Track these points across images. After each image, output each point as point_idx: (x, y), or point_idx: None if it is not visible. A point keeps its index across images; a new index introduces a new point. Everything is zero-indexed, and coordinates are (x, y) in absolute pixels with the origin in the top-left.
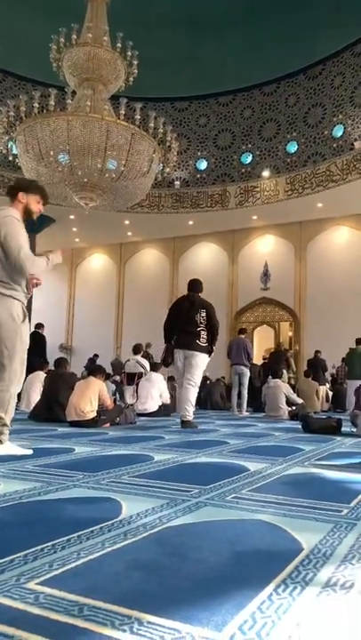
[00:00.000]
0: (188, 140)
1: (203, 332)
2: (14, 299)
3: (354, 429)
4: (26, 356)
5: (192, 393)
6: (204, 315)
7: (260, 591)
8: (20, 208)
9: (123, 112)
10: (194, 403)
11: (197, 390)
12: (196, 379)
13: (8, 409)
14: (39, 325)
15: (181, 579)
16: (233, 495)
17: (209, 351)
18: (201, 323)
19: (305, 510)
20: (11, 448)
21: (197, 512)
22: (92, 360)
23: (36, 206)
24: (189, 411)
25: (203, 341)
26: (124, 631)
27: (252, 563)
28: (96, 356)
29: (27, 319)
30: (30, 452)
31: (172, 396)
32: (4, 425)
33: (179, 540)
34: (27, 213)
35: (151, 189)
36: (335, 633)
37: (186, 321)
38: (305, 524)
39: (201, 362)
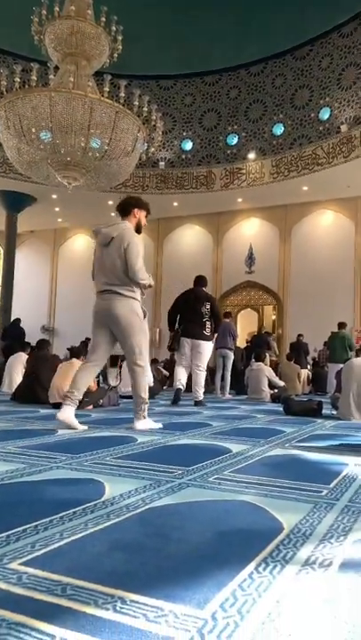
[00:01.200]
0: (174, 120)
1: (208, 323)
2: (134, 299)
3: (334, 412)
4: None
5: (202, 377)
6: (208, 307)
7: (242, 570)
8: (133, 222)
9: (107, 89)
10: (203, 385)
11: (205, 374)
12: (204, 364)
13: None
14: (18, 320)
15: (164, 558)
16: (215, 476)
17: (212, 339)
18: (206, 314)
19: (286, 491)
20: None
21: (180, 493)
22: (85, 344)
23: (144, 221)
24: (200, 392)
25: (208, 331)
26: (108, 610)
27: (234, 542)
28: (88, 339)
29: (147, 317)
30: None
31: (156, 379)
32: (146, 403)
33: (161, 521)
34: (137, 228)
35: (135, 169)
36: (314, 610)
37: (193, 313)
38: (286, 505)
39: (207, 350)
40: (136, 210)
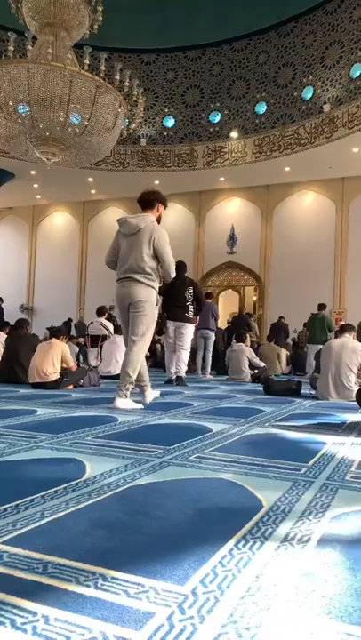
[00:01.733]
0: (155, 96)
1: (190, 307)
2: (153, 288)
3: (313, 392)
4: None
5: (185, 355)
6: (191, 291)
7: (222, 546)
8: (156, 216)
9: (87, 62)
10: (185, 362)
11: (188, 352)
12: (187, 345)
13: (140, 371)
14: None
15: (145, 536)
16: (196, 455)
17: (194, 322)
18: (189, 298)
19: (265, 469)
20: (129, 403)
21: (161, 472)
22: (67, 324)
23: (161, 216)
24: (182, 368)
25: (190, 314)
26: (89, 587)
27: (214, 519)
28: (70, 320)
29: (159, 304)
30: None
31: None
32: (131, 383)
33: (143, 499)
34: (158, 221)
35: (116, 146)
36: (293, 584)
37: (177, 297)
38: (265, 482)
39: (189, 331)
40: (160, 205)
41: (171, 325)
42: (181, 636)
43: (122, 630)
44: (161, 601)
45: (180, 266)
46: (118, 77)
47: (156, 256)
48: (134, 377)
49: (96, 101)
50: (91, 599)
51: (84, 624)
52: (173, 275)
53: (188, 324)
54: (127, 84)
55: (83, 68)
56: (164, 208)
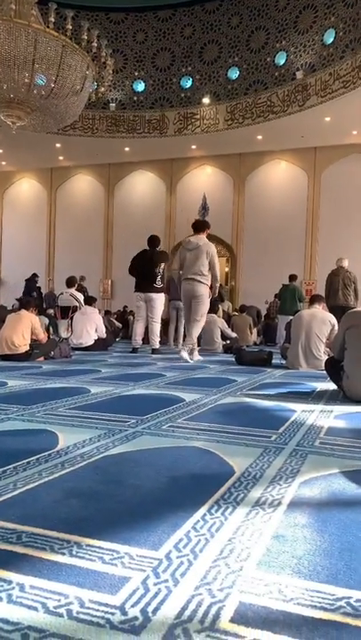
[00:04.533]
0: (125, 58)
1: (159, 277)
2: (206, 285)
3: (284, 361)
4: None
5: (156, 327)
6: (162, 266)
7: (195, 512)
8: (205, 236)
9: (52, 20)
10: (158, 334)
11: (159, 324)
12: (157, 316)
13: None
14: None
15: (119, 504)
16: (169, 424)
17: (163, 290)
18: (158, 273)
19: (237, 437)
20: (188, 357)
21: (134, 441)
22: (31, 281)
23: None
24: (156, 341)
25: (158, 284)
26: (64, 554)
27: (187, 486)
28: (35, 275)
29: (210, 296)
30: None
31: (109, 330)
32: (193, 344)
33: (116, 468)
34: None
35: (84, 111)
36: (264, 546)
37: (147, 271)
38: (237, 450)
39: (159, 302)
40: (207, 230)
41: (139, 297)
42: (156, 599)
43: (98, 595)
44: (136, 566)
45: (153, 239)
46: (86, 37)
47: (209, 264)
48: (195, 340)
49: (62, 62)
50: (66, 566)
51: (60, 590)
52: (219, 278)
53: (156, 296)
54: (95, 44)
55: (48, 27)
56: (209, 230)
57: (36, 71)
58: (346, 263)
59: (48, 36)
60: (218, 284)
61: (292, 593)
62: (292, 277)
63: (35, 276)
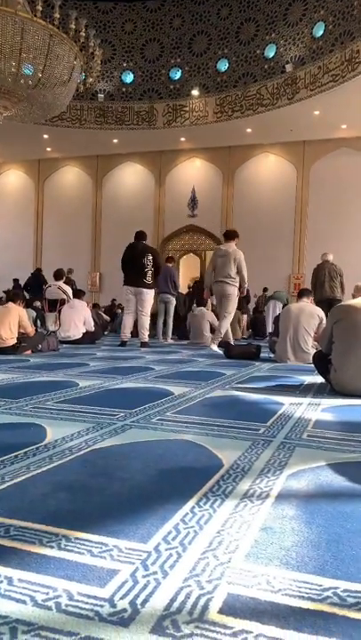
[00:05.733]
0: (113, 49)
1: (149, 273)
2: (235, 286)
3: (272, 355)
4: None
5: (145, 321)
6: (150, 258)
7: (184, 505)
8: (235, 243)
9: (39, 8)
10: (147, 327)
11: (149, 318)
12: (146, 310)
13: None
14: None
15: (108, 497)
16: (158, 418)
17: (154, 287)
18: (147, 265)
19: (225, 430)
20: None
21: (123, 434)
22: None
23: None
24: (145, 334)
25: (148, 279)
26: (52, 548)
27: (176, 479)
28: (39, 269)
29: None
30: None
31: (97, 324)
32: (220, 338)
33: (105, 462)
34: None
35: (72, 101)
36: (252, 537)
37: (136, 264)
38: (225, 443)
39: (148, 297)
40: (237, 239)
41: (129, 291)
42: (145, 591)
43: (86, 588)
44: (125, 559)
45: (139, 234)
46: (73, 27)
47: (237, 269)
48: (223, 334)
49: (50, 52)
50: (54, 559)
51: (49, 583)
52: (246, 279)
53: (145, 290)
54: (83, 34)
55: (35, 15)
56: (238, 239)
57: (24, 60)
58: (330, 257)
59: (35, 24)
60: (246, 285)
61: (280, 584)
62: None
63: (39, 270)
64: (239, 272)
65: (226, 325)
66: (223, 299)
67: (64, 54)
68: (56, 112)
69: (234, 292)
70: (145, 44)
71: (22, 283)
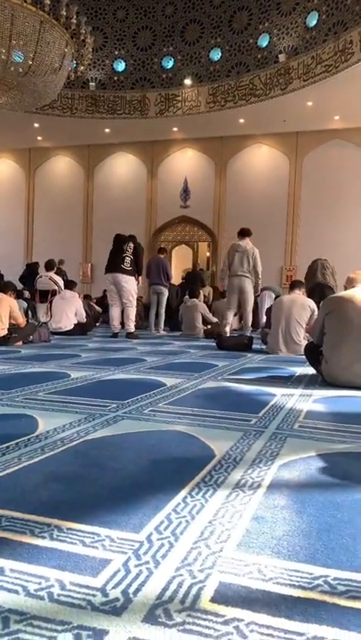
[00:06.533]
0: (105, 36)
1: (127, 259)
2: (251, 280)
3: (264, 346)
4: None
5: (131, 312)
6: (130, 245)
7: (176, 495)
8: (250, 240)
9: None
10: (133, 318)
11: (135, 309)
12: (131, 300)
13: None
14: None
15: (100, 487)
16: (150, 409)
17: (134, 274)
18: (126, 251)
19: (217, 420)
20: None
21: (115, 425)
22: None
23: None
24: (131, 325)
25: (126, 265)
26: (44, 538)
27: (168, 470)
28: (36, 263)
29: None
30: None
31: (89, 315)
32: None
33: (97, 452)
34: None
35: (63, 90)
36: (244, 526)
37: (116, 251)
38: (218, 433)
39: (128, 285)
40: (251, 236)
41: (108, 280)
42: (137, 580)
43: (78, 577)
44: (117, 548)
45: (130, 235)
46: (64, 13)
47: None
48: (250, 326)
49: (41, 39)
50: (46, 550)
51: (41, 573)
52: (260, 275)
53: (123, 276)
54: (74, 21)
55: (25, 1)
56: (251, 236)
57: (13, 47)
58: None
59: (25, 10)
60: (260, 280)
61: (272, 572)
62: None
63: (35, 264)
64: (254, 268)
65: (250, 319)
66: (242, 294)
67: (55, 41)
68: (47, 100)
69: (250, 287)
70: (137, 31)
71: (5, 274)
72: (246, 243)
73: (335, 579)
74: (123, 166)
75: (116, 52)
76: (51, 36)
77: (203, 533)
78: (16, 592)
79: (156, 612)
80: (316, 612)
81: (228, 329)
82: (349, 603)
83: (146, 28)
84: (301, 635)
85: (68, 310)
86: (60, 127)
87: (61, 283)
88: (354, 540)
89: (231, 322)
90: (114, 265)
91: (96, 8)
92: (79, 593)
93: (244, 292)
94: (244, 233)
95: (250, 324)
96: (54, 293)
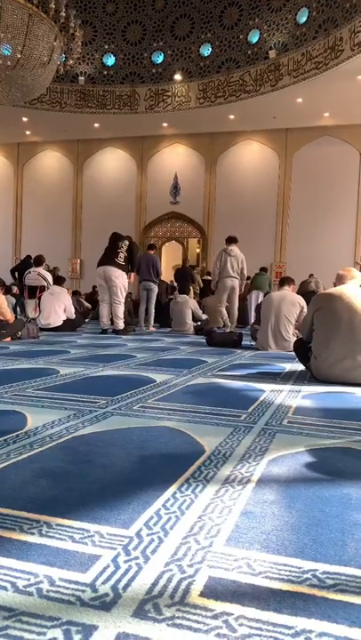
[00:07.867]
0: (95, 30)
1: (121, 254)
2: (239, 280)
3: (253, 343)
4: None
5: (119, 309)
6: (126, 243)
7: (165, 490)
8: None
9: None
10: (121, 316)
11: (123, 306)
12: (120, 297)
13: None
14: None
15: (89, 483)
16: (140, 405)
17: (126, 270)
18: (121, 247)
19: (207, 416)
20: None
21: (105, 421)
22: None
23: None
24: (120, 323)
25: (120, 260)
26: (33, 534)
27: (158, 465)
28: (29, 256)
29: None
30: None
31: (78, 311)
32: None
33: (86, 448)
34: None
35: (52, 84)
36: (233, 521)
37: (110, 247)
38: (207, 429)
39: (118, 281)
40: (237, 242)
41: (99, 276)
42: (127, 576)
43: (68, 573)
44: (106, 544)
45: (127, 236)
46: (53, 6)
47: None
48: (235, 321)
49: (29, 32)
50: (35, 546)
51: (30, 569)
52: (246, 276)
53: (115, 270)
54: (63, 14)
55: None
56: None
57: (2, 40)
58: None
59: (14, 3)
60: (245, 281)
61: (261, 567)
62: (264, 269)
63: (29, 257)
64: (242, 271)
65: (236, 313)
66: (233, 292)
67: (43, 34)
68: (35, 94)
69: (238, 286)
70: (127, 26)
71: None
72: (235, 248)
73: (324, 572)
74: (112, 161)
75: (106, 47)
76: (40, 29)
77: (192, 528)
78: (5, 588)
79: (146, 607)
80: (305, 605)
81: (223, 322)
82: (338, 596)
83: (136, 22)
84: (290, 628)
85: (57, 306)
86: (49, 121)
87: (50, 278)
88: (342, 534)
89: (226, 318)
90: (107, 258)
91: (85, 1)
92: (68, 589)
93: (235, 290)
94: (233, 240)
95: (235, 317)
96: (43, 289)
